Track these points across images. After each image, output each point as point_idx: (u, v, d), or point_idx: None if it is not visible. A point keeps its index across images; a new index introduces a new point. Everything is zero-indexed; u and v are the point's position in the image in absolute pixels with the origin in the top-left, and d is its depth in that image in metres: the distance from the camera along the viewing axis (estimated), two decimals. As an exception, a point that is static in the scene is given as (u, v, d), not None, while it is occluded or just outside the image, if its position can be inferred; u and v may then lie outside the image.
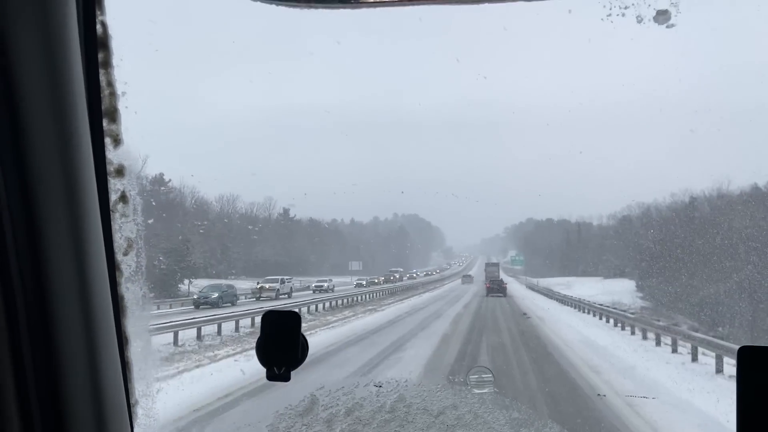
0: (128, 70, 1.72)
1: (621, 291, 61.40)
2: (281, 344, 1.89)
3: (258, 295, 42.69)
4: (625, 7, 1.10)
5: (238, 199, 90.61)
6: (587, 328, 26.58)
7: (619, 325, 28.11)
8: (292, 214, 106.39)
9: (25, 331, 1.37)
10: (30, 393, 1.37)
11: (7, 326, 1.34)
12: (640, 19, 1.12)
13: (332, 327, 26.10)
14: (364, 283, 69.01)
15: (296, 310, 2.11)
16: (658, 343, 21.17)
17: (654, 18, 1.12)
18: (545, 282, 75.27)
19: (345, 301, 40.65)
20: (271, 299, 41.85)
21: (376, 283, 72.44)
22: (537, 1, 1.24)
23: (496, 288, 55.28)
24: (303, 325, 1.88)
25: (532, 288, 71.29)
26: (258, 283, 45.94)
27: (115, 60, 1.69)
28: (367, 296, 46.93)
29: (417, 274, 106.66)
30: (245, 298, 42.45)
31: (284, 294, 45.19)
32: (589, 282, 76.14)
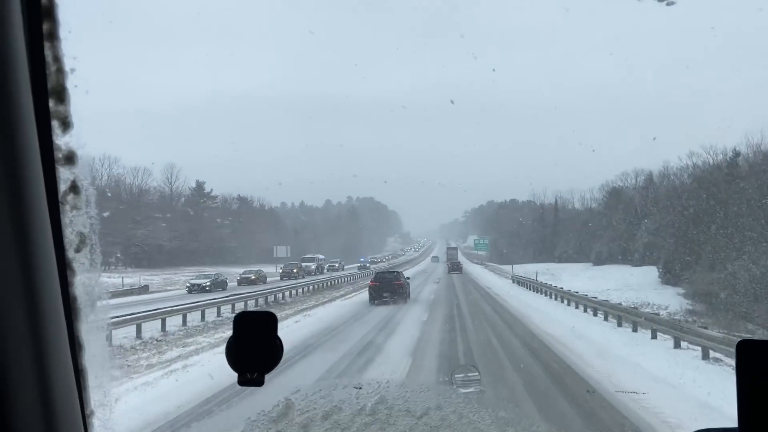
0: (78, 44, 1.52)
1: (642, 284, 44.08)
2: (255, 347, 1.75)
3: None
4: None
5: (116, 163, 71.52)
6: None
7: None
8: (207, 189, 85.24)
9: None
10: None
11: None
12: None
13: None
14: (208, 284, 37.45)
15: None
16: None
17: None
18: (520, 270, 55.57)
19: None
20: None
21: (254, 281, 43.43)
22: None
23: (455, 267, 68.51)
24: None
25: (521, 282, 46.28)
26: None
27: (63, 32, 1.43)
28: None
29: (366, 263, 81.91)
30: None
31: None
32: (578, 270, 59.30)
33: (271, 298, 32.21)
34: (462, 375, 2.93)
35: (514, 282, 49.69)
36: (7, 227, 1.20)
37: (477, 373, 2.95)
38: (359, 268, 73.69)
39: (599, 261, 63.93)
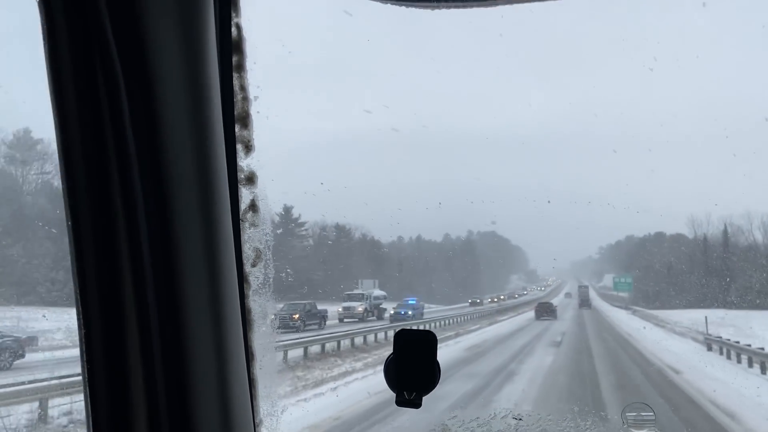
0: (261, 74, 1.66)
1: None
2: (414, 367, 1.77)
3: None
4: None
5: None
6: None
7: None
8: (295, 215, 76.18)
9: (158, 341, 1.33)
10: (160, 406, 1.34)
11: (139, 334, 1.32)
12: None
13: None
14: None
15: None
16: None
17: None
18: (683, 318, 40.69)
19: None
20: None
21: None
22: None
23: (585, 303, 74.15)
24: None
25: (731, 352, 26.63)
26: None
27: (249, 63, 1.62)
28: None
29: (407, 311, 45.23)
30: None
31: None
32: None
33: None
34: (634, 414, 2.68)
35: (710, 349, 28.61)
36: (197, 240, 1.36)
37: (651, 413, 2.71)
38: (393, 317, 41.32)
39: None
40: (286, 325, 32.25)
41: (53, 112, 1.28)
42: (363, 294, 45.13)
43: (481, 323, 43.92)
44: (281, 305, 32.66)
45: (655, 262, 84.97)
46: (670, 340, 32.18)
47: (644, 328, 41.16)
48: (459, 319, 44.48)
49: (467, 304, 70.72)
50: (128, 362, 1.29)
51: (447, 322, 41.59)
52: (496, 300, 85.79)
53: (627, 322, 48.54)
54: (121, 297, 1.29)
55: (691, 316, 41.26)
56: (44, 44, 1.24)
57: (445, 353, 23.49)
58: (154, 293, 1.29)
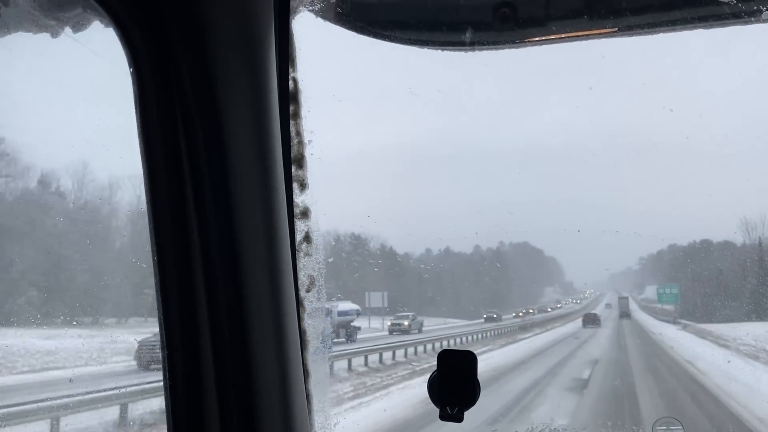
0: (314, 121, 1.84)
1: None
2: (456, 384, 1.90)
3: None
4: None
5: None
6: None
7: None
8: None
9: (229, 359, 1.50)
10: (232, 418, 1.49)
11: (212, 351, 1.49)
12: None
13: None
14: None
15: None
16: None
17: None
18: (742, 333, 33.25)
19: None
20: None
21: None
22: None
23: (625, 314, 73.11)
24: None
25: None
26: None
27: (304, 111, 1.83)
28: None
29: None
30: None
31: None
32: None
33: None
34: (664, 428, 2.77)
35: None
36: (263, 270, 1.56)
37: (680, 426, 2.78)
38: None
39: None
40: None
41: (142, 160, 1.51)
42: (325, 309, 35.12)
43: (494, 344, 34.56)
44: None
45: (702, 271, 79.10)
46: (746, 367, 22.58)
47: (706, 349, 31.55)
48: (467, 339, 35.28)
49: (482, 320, 60.12)
50: (203, 378, 1.49)
51: (448, 343, 30.99)
52: (521, 314, 75.37)
53: (679, 341, 38.14)
54: (197, 319, 1.49)
55: (750, 330, 34.72)
56: (136, 108, 1.48)
57: (395, 408, 14.29)
58: (226, 317, 1.48)
